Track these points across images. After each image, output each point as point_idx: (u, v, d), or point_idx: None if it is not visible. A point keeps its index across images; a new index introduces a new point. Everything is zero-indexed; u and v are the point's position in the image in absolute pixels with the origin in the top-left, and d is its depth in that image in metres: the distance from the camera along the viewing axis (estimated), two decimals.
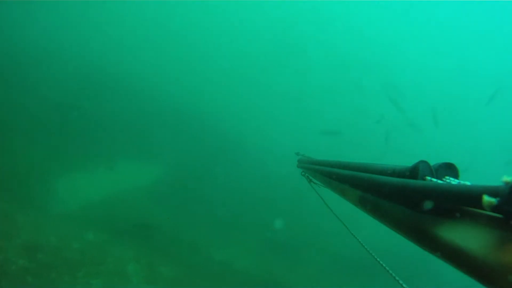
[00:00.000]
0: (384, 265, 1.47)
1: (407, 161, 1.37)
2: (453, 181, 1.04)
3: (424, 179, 1.08)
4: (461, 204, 0.81)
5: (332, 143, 24.31)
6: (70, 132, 14.53)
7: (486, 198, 0.69)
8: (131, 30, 24.71)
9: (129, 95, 18.32)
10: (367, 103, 32.99)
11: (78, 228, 10.24)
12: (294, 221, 17.21)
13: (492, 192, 0.69)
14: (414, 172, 1.12)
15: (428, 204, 0.95)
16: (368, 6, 44.32)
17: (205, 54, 28.16)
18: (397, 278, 1.33)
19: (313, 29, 38.37)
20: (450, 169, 1.09)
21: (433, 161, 1.15)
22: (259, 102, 26.84)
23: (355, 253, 15.75)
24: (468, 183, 0.92)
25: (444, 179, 1.07)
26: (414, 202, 1.02)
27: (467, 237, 0.75)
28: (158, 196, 14.46)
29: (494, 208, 0.69)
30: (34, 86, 15.27)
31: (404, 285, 1.26)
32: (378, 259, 1.53)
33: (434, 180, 1.06)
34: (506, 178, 0.67)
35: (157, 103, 19.51)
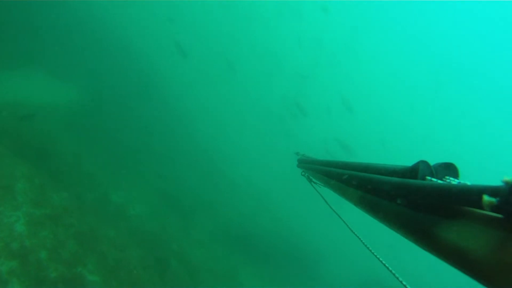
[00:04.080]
0: (386, 264, 1.47)
1: (406, 161, 1.38)
2: (453, 181, 1.04)
3: (424, 179, 1.08)
4: (461, 204, 0.81)
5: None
6: None
7: (486, 198, 0.69)
8: None
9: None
10: None
11: None
12: (198, 183, 17.81)
13: (492, 192, 0.69)
14: (414, 172, 1.12)
15: (428, 205, 0.95)
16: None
17: None
18: (400, 279, 1.33)
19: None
20: (450, 169, 1.09)
21: (433, 161, 1.15)
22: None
23: (237, 228, 16.96)
24: (468, 183, 0.92)
25: (444, 179, 1.07)
26: (414, 202, 1.02)
27: (467, 237, 0.75)
28: (68, 119, 13.76)
29: (494, 208, 0.69)
30: None
31: (404, 283, 1.26)
32: (380, 259, 1.54)
33: (434, 180, 1.06)
34: (506, 178, 0.67)
35: (96, 30, 18.84)
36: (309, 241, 19.86)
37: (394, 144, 36.81)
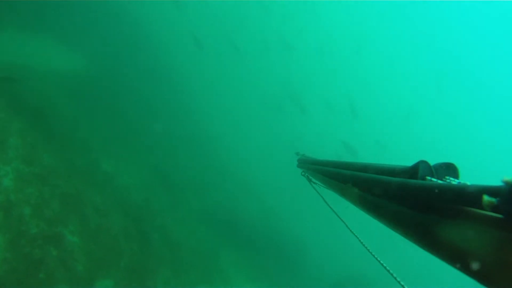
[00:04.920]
0: (384, 264, 1.47)
1: (407, 161, 1.38)
2: (453, 181, 1.04)
3: (424, 179, 1.08)
4: (461, 204, 0.81)
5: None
6: None
7: (486, 198, 0.69)
8: None
9: None
10: None
11: None
12: (191, 164, 17.98)
13: (492, 192, 0.69)
14: (414, 172, 1.12)
15: (428, 205, 0.95)
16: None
17: None
18: (398, 279, 1.33)
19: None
20: (450, 169, 1.09)
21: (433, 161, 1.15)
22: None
23: (222, 211, 17.03)
24: (468, 183, 0.92)
25: (444, 179, 1.06)
26: (414, 202, 1.02)
27: (467, 237, 0.75)
28: (69, 85, 13.92)
29: (494, 208, 0.68)
30: None
31: (402, 284, 1.26)
32: (378, 259, 1.54)
33: (434, 180, 1.06)
34: (506, 178, 0.67)
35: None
36: (295, 233, 19.93)
37: (395, 146, 36.90)
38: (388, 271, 1.42)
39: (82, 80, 15.08)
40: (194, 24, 27.33)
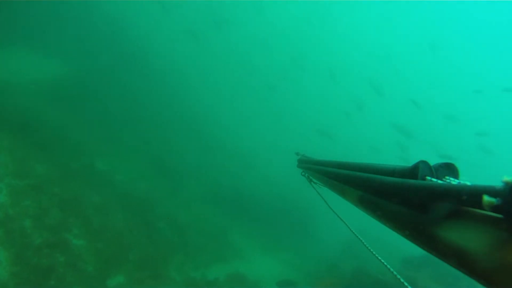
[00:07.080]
0: (384, 262, 1.47)
1: (407, 161, 1.38)
2: (453, 181, 1.04)
3: (424, 179, 1.08)
4: (461, 204, 0.81)
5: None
6: None
7: (486, 198, 0.69)
8: None
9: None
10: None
11: None
12: (187, 147, 18.12)
13: (492, 192, 0.69)
14: (414, 172, 1.12)
15: (428, 205, 0.95)
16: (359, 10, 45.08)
17: None
18: (402, 279, 1.33)
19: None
20: (450, 169, 1.09)
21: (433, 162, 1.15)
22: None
23: (226, 189, 17.19)
24: (468, 183, 0.92)
25: (444, 179, 1.06)
26: (414, 202, 1.02)
27: (467, 237, 0.75)
28: (53, 93, 13.97)
29: (494, 208, 0.69)
30: None
31: (405, 283, 1.26)
32: (378, 256, 1.54)
33: (434, 180, 1.06)
34: (506, 178, 0.67)
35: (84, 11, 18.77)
36: (302, 199, 19.76)
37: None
38: (389, 268, 1.42)
39: (64, 85, 15.11)
40: (182, 17, 27.14)
